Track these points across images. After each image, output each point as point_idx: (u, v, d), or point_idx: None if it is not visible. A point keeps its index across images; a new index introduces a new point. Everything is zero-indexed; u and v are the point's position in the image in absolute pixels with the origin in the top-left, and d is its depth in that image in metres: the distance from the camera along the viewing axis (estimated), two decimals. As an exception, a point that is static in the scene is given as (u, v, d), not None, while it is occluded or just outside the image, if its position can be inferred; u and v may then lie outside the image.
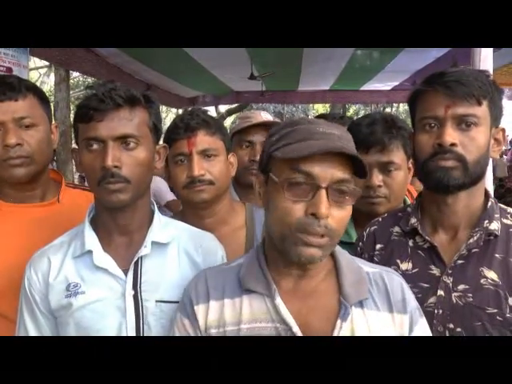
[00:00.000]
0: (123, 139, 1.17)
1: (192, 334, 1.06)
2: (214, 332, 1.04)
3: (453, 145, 1.18)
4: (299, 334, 0.98)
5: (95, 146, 1.17)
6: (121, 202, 1.19)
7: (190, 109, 1.60)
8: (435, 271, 1.24)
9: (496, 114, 1.23)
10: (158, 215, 1.31)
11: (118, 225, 1.25)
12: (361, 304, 1.02)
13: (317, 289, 1.04)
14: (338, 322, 0.99)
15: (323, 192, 0.93)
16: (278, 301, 1.01)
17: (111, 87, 1.18)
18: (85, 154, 1.19)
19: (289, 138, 0.99)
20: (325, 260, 1.04)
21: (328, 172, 0.94)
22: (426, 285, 1.24)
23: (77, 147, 1.25)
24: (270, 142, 1.04)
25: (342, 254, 1.09)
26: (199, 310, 1.07)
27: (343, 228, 0.99)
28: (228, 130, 1.93)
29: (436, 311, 1.21)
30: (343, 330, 0.98)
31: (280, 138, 1.01)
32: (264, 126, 1.91)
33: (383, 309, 1.03)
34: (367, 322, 1.01)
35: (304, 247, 0.95)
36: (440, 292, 1.21)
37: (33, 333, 1.26)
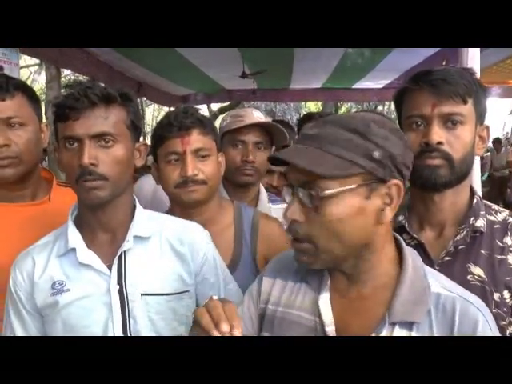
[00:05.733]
0: (100, 137, 1.18)
1: (255, 296, 1.12)
2: (270, 307, 1.08)
3: (439, 143, 1.19)
4: (331, 333, 0.97)
5: (73, 145, 1.18)
6: (99, 199, 1.20)
7: (182, 107, 1.58)
8: None
9: (481, 112, 1.24)
10: (139, 209, 1.32)
11: (100, 222, 1.26)
12: (410, 326, 0.92)
13: (368, 296, 0.98)
14: (372, 335, 0.94)
15: (294, 195, 0.94)
16: (322, 296, 1.01)
17: (87, 86, 1.18)
18: (63, 153, 1.20)
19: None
20: (386, 267, 0.98)
21: (293, 175, 0.95)
22: None
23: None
24: None
25: (415, 267, 0.98)
26: (266, 281, 1.12)
27: (328, 234, 0.91)
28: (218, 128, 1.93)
29: None
30: None
31: None
32: (256, 125, 1.91)
33: None
34: None
35: (295, 253, 0.97)
36: None
37: (19, 333, 1.26)
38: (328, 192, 0.89)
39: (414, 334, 0.92)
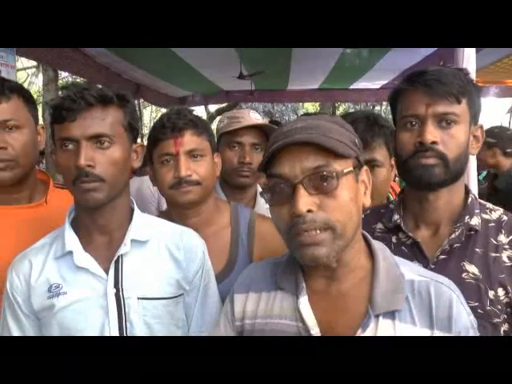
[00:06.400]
0: (97, 138, 1.18)
1: (229, 318, 1.11)
2: (247, 322, 1.07)
3: (434, 143, 1.20)
4: (317, 335, 0.96)
5: (69, 146, 1.18)
6: (96, 201, 1.19)
7: (176, 108, 1.58)
8: None
9: (474, 112, 1.25)
10: (137, 213, 1.32)
11: (98, 224, 1.26)
12: (392, 315, 0.94)
13: (348, 292, 0.99)
14: (359, 331, 0.94)
15: (298, 188, 0.90)
16: (301, 300, 1.00)
17: (84, 87, 1.19)
18: (60, 155, 1.20)
19: (266, 149, 0.99)
20: (360, 261, 1.01)
21: (296, 166, 0.92)
22: None
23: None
24: None
25: (385, 258, 1.01)
26: (237, 298, 1.10)
27: (345, 215, 0.92)
28: (214, 129, 1.93)
29: None
30: None
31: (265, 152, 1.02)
32: (253, 127, 1.91)
33: (421, 324, 0.94)
34: (395, 335, 0.93)
35: (303, 249, 0.92)
36: None
37: (16, 334, 1.26)
38: (346, 170, 0.93)
39: (397, 322, 0.94)
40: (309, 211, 0.90)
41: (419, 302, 0.95)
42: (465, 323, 0.95)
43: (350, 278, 1.00)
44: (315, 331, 0.96)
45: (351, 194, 0.94)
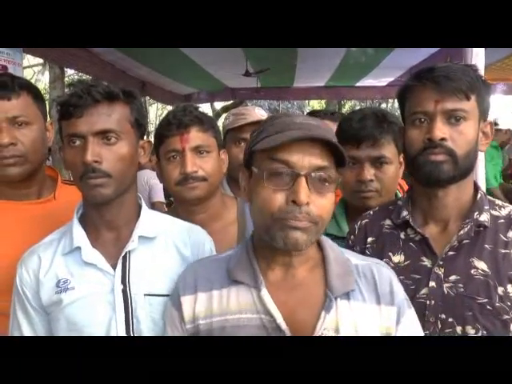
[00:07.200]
0: (103, 134, 1.18)
1: (177, 324, 1.10)
2: (201, 323, 1.06)
3: (443, 139, 1.20)
4: (283, 325, 0.99)
5: (77, 142, 1.18)
6: (103, 197, 1.20)
7: (182, 105, 1.60)
8: (427, 263, 1.26)
9: (484, 108, 1.25)
10: (145, 209, 1.32)
11: (105, 220, 1.27)
12: (347, 296, 1.04)
13: (304, 281, 1.05)
14: (322, 313, 1.00)
15: (302, 179, 0.95)
16: (264, 292, 1.02)
17: (91, 84, 1.19)
18: (67, 151, 1.21)
19: (267, 131, 1.02)
20: (312, 251, 1.07)
21: (306, 160, 0.96)
22: (417, 276, 1.26)
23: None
24: (251, 137, 1.08)
25: (331, 247, 1.10)
26: (185, 301, 1.09)
27: (327, 215, 1.00)
28: (220, 126, 1.93)
29: (428, 302, 1.23)
30: (327, 321, 1.00)
31: (259, 133, 1.04)
32: (259, 123, 1.91)
33: (370, 301, 1.05)
34: (353, 313, 1.02)
35: (289, 231, 0.96)
36: (432, 283, 1.23)
37: (26, 328, 1.27)
38: (336, 175, 1.00)
39: (351, 301, 1.04)
40: (307, 204, 0.96)
41: (365, 282, 1.07)
42: (402, 296, 1.08)
43: (305, 266, 1.07)
44: (280, 320, 1.00)
45: (334, 198, 1.02)
